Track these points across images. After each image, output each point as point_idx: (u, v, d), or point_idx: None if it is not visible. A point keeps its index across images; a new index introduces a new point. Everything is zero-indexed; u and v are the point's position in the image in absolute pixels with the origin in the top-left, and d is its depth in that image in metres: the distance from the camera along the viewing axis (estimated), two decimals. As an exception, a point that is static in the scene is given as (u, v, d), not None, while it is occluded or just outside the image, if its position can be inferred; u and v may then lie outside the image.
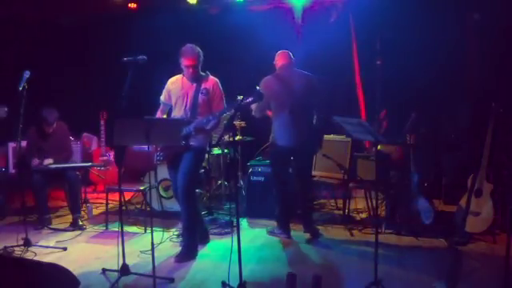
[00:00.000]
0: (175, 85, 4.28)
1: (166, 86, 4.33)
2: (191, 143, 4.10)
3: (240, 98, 3.69)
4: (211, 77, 4.27)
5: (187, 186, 4.10)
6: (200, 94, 4.16)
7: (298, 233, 4.76)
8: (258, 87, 3.59)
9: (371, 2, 5.96)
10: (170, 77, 4.34)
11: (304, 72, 4.65)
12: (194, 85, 4.19)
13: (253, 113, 4.74)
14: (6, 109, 4.60)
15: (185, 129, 4.01)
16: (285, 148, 4.57)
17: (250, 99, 3.49)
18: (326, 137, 5.52)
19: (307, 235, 4.70)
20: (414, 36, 5.75)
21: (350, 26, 6.44)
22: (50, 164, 5.17)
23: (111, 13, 7.08)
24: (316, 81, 4.65)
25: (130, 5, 6.92)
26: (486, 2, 5.50)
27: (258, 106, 4.58)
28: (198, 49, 4.16)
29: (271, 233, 4.83)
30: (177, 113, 4.23)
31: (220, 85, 4.27)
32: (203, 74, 4.25)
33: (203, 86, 4.18)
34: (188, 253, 4.17)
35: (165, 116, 4.41)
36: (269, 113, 4.75)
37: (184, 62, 4.13)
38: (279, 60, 4.70)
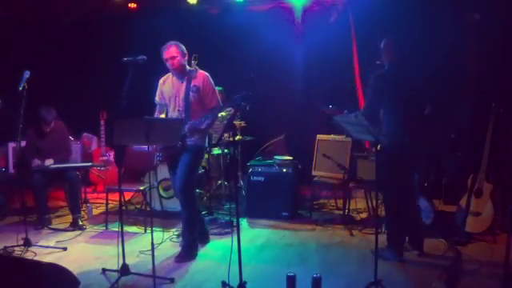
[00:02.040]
0: (166, 84, 4.23)
1: (158, 86, 4.29)
2: (188, 143, 4.04)
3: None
4: (200, 71, 4.16)
5: (184, 186, 4.07)
6: (190, 93, 4.07)
7: (300, 232, 4.76)
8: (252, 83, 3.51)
9: (371, 1, 5.95)
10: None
11: (414, 69, 4.16)
12: (184, 83, 4.10)
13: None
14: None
15: None
16: (395, 153, 3.93)
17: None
18: (326, 137, 5.53)
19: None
20: (414, 36, 5.73)
21: (350, 26, 6.43)
22: (51, 164, 5.17)
23: (111, 13, 7.08)
24: (425, 80, 4.18)
25: (129, 5, 6.91)
26: (486, 2, 5.49)
27: (366, 106, 4.14)
28: (178, 43, 4.07)
29: (381, 255, 3.76)
30: (171, 113, 4.20)
31: (210, 78, 4.15)
32: (190, 68, 4.15)
33: (193, 83, 4.09)
34: (188, 253, 4.16)
35: (163, 116, 4.36)
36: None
37: (164, 56, 4.04)
38: (389, 53, 4.13)
